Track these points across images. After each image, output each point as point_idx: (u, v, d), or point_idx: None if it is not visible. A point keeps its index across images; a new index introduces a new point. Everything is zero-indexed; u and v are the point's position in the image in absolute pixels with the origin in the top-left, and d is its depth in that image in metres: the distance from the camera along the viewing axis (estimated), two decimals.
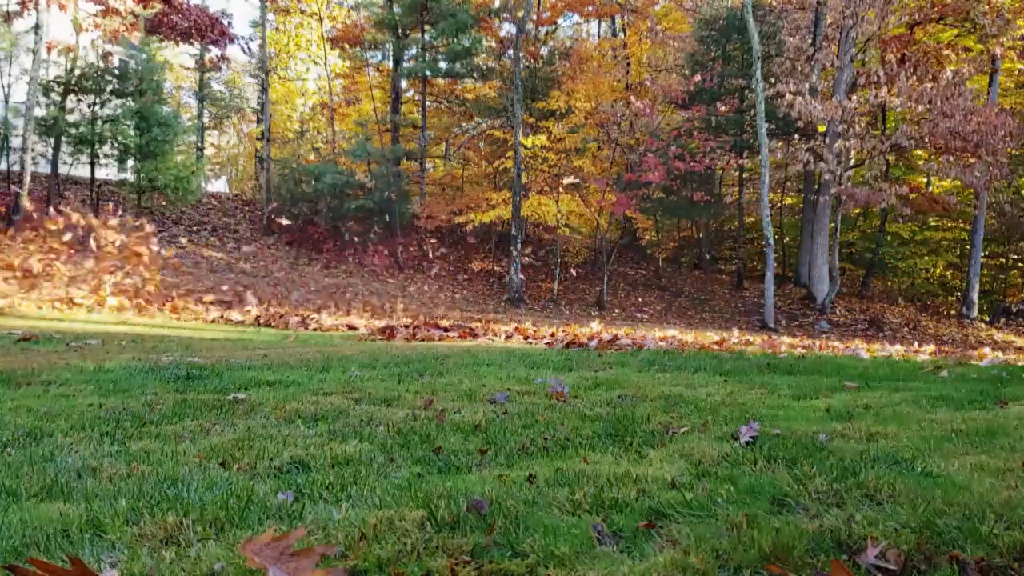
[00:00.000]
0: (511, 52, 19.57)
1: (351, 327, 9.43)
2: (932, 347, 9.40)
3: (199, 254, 17.06)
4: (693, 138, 18.61)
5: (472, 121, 21.33)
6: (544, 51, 22.88)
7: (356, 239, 19.25)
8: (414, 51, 21.06)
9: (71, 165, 15.99)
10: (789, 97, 16.01)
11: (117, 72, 15.47)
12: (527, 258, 20.16)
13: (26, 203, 13.27)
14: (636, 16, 24.06)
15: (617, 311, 17.93)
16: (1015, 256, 23.87)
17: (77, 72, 15.03)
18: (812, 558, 1.32)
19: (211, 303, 12.35)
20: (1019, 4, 18.67)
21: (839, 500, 1.62)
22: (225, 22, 19.10)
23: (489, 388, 3.21)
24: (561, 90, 19.61)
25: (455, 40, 19.76)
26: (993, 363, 5.19)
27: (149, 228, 12.45)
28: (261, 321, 9.60)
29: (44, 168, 16.35)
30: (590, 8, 24.07)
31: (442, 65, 20.80)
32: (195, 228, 18.57)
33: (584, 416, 2.61)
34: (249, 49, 25.82)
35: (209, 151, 32.34)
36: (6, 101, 16.43)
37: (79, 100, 15.13)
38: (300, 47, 27.28)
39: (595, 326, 10.47)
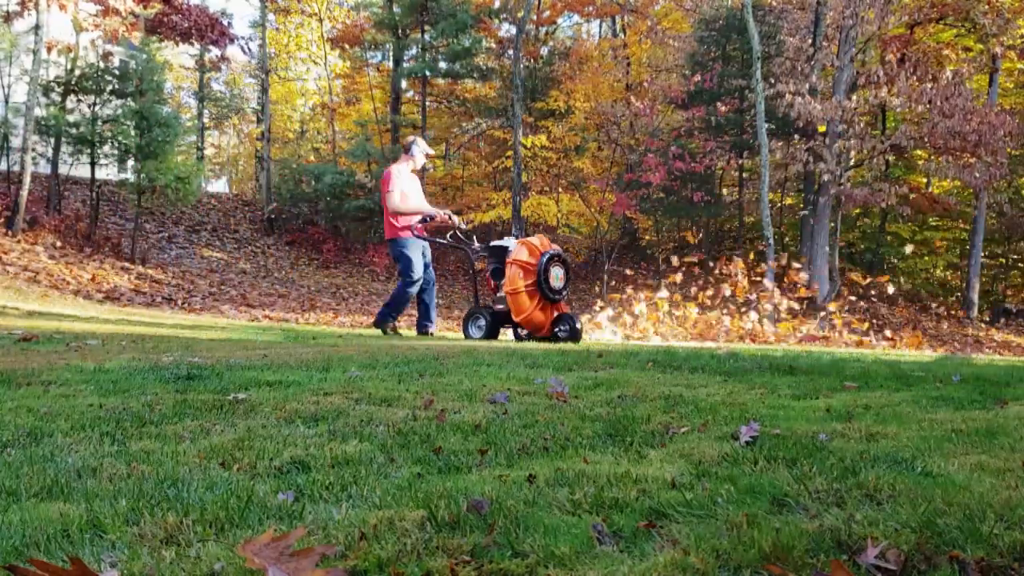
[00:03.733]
0: (511, 52, 19.56)
1: (351, 326, 9.43)
2: (933, 348, 9.40)
3: (199, 254, 17.06)
4: (693, 138, 18.59)
5: (472, 121, 21.33)
6: (544, 51, 22.88)
7: (356, 239, 19.24)
8: (414, 51, 21.05)
9: (71, 165, 15.97)
10: (789, 97, 15.99)
11: (117, 72, 15.44)
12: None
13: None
14: (636, 16, 24.03)
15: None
16: (1015, 256, 23.84)
17: (77, 72, 15.01)
18: (812, 558, 1.32)
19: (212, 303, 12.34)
20: (1019, 4, 18.66)
21: (839, 500, 1.62)
22: (225, 22, 19.09)
23: (489, 388, 3.21)
24: (561, 90, 19.60)
25: (455, 40, 19.75)
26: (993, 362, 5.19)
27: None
28: (261, 321, 9.61)
29: (44, 168, 16.34)
30: (590, 8, 24.06)
31: (442, 65, 20.79)
32: (195, 228, 18.58)
33: (584, 416, 2.61)
34: (249, 49, 25.83)
35: (209, 151, 32.33)
36: (6, 101, 16.42)
37: (79, 100, 15.10)
38: (300, 47, 27.27)
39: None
